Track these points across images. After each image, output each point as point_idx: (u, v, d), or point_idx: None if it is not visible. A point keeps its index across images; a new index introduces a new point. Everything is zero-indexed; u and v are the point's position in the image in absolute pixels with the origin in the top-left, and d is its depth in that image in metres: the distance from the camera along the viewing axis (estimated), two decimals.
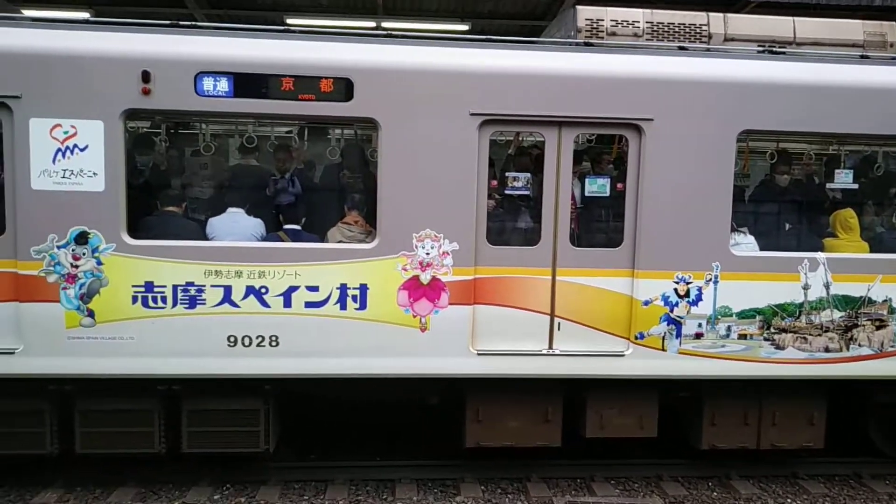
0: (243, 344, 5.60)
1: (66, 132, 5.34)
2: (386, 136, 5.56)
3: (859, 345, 6.09)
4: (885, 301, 6.08)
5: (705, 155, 5.82)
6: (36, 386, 5.63)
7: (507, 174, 6.20)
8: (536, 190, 5.98)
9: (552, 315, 5.85)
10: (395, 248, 5.62)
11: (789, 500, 6.31)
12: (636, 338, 5.89)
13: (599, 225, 6.25)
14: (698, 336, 5.96)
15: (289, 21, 12.86)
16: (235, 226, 5.84)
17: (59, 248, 5.39)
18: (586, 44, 6.05)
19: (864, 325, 6.07)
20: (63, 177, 5.35)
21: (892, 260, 6.14)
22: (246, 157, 6.51)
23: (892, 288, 6.09)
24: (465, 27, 13.68)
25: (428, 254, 5.64)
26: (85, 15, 11.87)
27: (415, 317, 5.68)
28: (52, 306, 5.42)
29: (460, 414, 6.24)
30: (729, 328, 5.98)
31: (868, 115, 5.92)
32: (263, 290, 5.57)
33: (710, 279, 5.91)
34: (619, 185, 5.97)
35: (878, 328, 6.10)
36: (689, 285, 5.89)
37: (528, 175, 6.10)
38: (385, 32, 5.96)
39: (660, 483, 6.54)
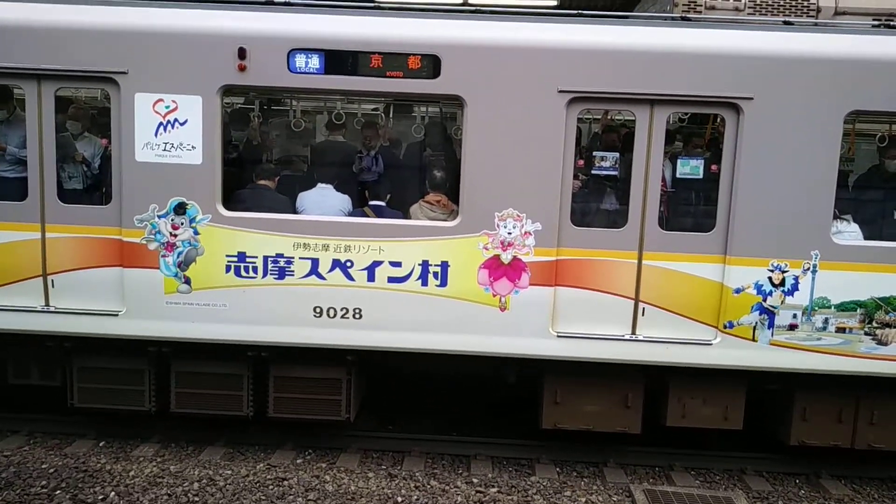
0: (328, 315, 5.76)
1: (167, 107, 5.60)
2: (471, 113, 5.53)
3: None
4: None
5: (808, 137, 5.48)
6: (137, 347, 5.99)
7: (594, 154, 6.06)
8: (624, 170, 5.82)
9: (636, 300, 5.71)
10: (476, 227, 5.61)
11: None
12: (725, 326, 5.68)
13: (690, 208, 6.03)
14: (792, 327, 5.68)
15: None
16: (324, 201, 5.99)
17: (159, 217, 5.68)
18: (683, 18, 5.79)
19: None
20: (164, 149, 5.62)
21: None
22: (334, 134, 6.64)
23: None
24: (553, 2, 13.37)
25: (510, 233, 5.60)
26: None
27: (494, 296, 5.67)
28: (152, 272, 5.74)
29: (538, 394, 6.22)
30: (826, 320, 5.67)
31: None
32: (349, 264, 5.70)
33: (809, 268, 5.60)
34: (713, 167, 5.72)
35: None
36: (785, 274, 5.61)
37: (616, 155, 5.94)
38: (473, 8, 5.90)
39: (743, 476, 6.32)
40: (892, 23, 5.68)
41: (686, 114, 6.57)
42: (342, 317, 5.77)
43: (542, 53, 5.51)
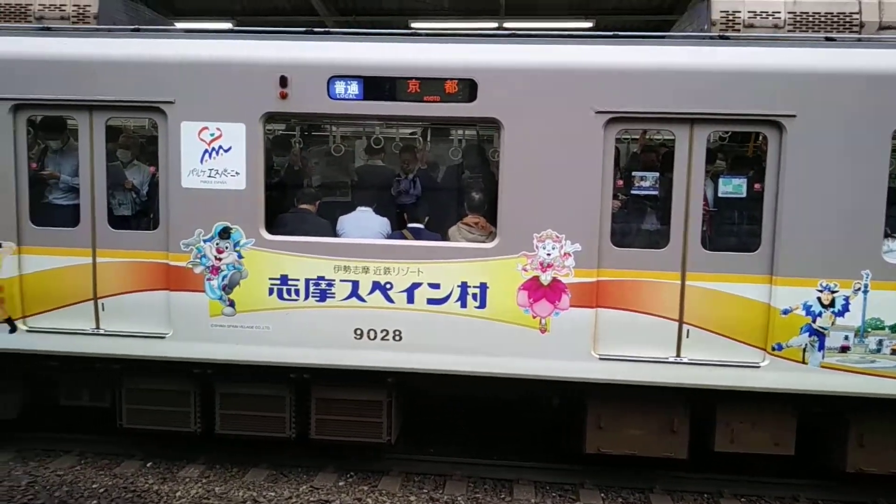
0: (369, 337, 5.80)
1: (212, 134, 5.77)
2: (509, 135, 5.56)
3: None
4: None
5: (855, 154, 5.34)
6: (183, 369, 6.12)
7: (633, 174, 6.01)
8: (664, 190, 5.75)
9: (680, 321, 5.61)
10: (515, 248, 5.60)
11: None
12: (773, 349, 5.52)
13: (733, 227, 5.92)
14: (844, 349, 5.49)
15: (413, 25, 13.18)
16: (364, 224, 6.07)
17: (204, 241, 5.83)
18: (721, 37, 5.74)
19: None
20: (209, 176, 5.78)
21: None
22: (373, 158, 6.74)
23: None
24: (588, 24, 13.41)
25: (549, 254, 5.57)
26: (228, 25, 12.75)
27: (535, 317, 5.64)
28: (197, 295, 5.88)
29: (580, 418, 6.13)
30: (881, 342, 5.47)
31: None
32: (388, 286, 5.74)
33: (860, 288, 5.43)
34: (757, 186, 5.62)
35: None
36: (835, 294, 5.44)
37: (656, 174, 5.88)
38: (508, 32, 5.96)
39: None
40: None
41: (726, 132, 6.48)
42: (382, 339, 5.80)
43: (578, 75, 5.52)
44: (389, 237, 6.07)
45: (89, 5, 6.28)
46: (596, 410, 5.97)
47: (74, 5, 6.29)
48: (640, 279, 5.61)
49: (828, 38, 5.62)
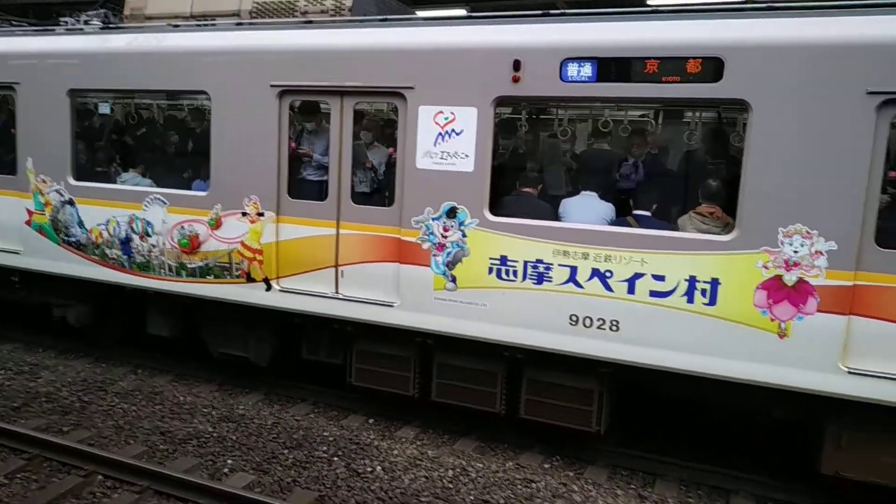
0: (584, 324, 5.72)
1: (446, 118, 6.02)
2: (757, 118, 5.07)
3: None
4: None
5: None
6: (406, 337, 6.54)
7: None
8: None
9: None
10: (756, 243, 5.14)
11: None
12: None
13: None
14: None
15: (650, 2, 12.55)
16: (587, 208, 5.96)
17: (433, 220, 6.13)
18: None
19: None
20: (441, 158, 6.06)
21: None
22: (599, 141, 6.57)
23: None
24: None
25: (796, 252, 5.03)
26: (462, 11, 13.18)
27: (773, 320, 5.14)
28: (423, 270, 6.22)
29: (815, 435, 5.51)
30: None
31: None
32: (608, 274, 5.60)
33: None
34: None
35: None
36: None
37: None
38: (761, 5, 5.40)
39: None
40: None
41: None
42: (598, 327, 5.69)
43: (847, 52, 4.85)
44: (613, 224, 5.90)
45: None
46: (837, 429, 5.33)
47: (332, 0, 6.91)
48: None
49: None
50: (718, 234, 5.41)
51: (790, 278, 5.06)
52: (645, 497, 5.76)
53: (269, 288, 6.93)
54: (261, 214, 6.82)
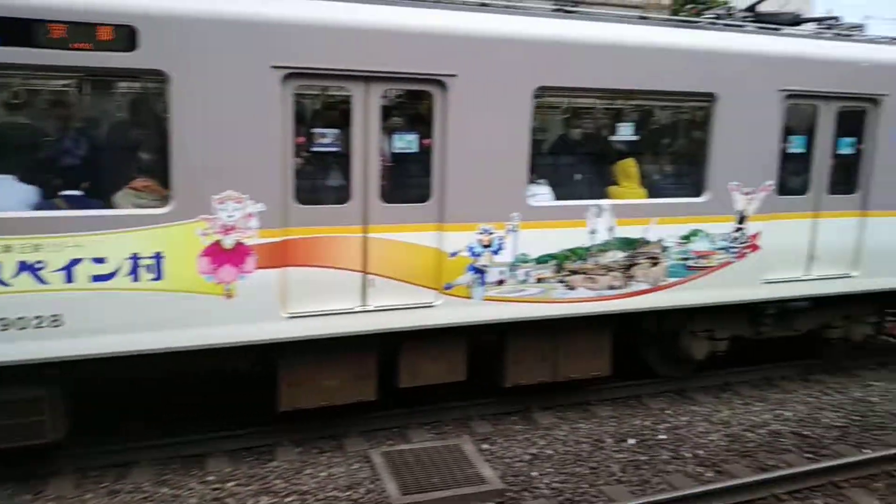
0: (18, 328, 4.95)
1: None
2: (178, 89, 5.06)
3: (637, 281, 6.83)
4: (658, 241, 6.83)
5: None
6: None
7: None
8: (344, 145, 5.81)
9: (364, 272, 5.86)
10: (193, 213, 5.23)
11: (581, 424, 7.05)
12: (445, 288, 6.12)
13: None
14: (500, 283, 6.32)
15: None
16: (2, 194, 5.03)
17: None
18: None
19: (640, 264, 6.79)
20: None
21: None
22: (12, 115, 5.58)
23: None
24: None
25: (231, 216, 5.32)
26: None
27: (219, 283, 5.40)
28: None
29: (273, 379, 6.10)
30: (527, 273, 6.39)
31: None
32: (39, 265, 4.94)
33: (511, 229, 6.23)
34: None
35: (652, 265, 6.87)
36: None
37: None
38: None
39: (469, 423, 6.96)
40: None
41: None
42: (36, 327, 4.99)
43: (255, 27, 5.21)
44: (38, 208, 5.15)
45: None
46: (287, 369, 6.00)
47: None
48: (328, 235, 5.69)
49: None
50: (157, 207, 5.31)
51: (229, 242, 5.36)
52: (117, 491, 5.45)
53: None
54: None
